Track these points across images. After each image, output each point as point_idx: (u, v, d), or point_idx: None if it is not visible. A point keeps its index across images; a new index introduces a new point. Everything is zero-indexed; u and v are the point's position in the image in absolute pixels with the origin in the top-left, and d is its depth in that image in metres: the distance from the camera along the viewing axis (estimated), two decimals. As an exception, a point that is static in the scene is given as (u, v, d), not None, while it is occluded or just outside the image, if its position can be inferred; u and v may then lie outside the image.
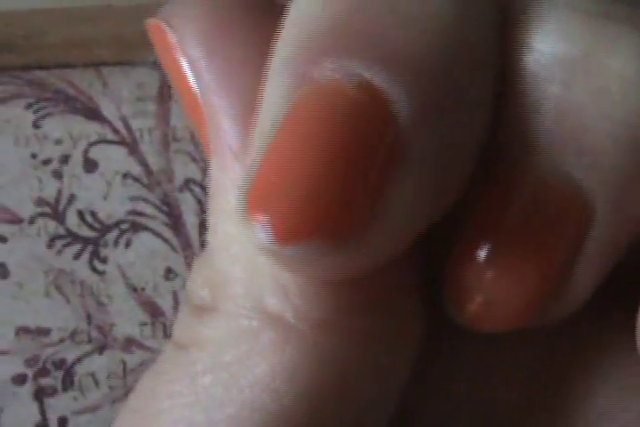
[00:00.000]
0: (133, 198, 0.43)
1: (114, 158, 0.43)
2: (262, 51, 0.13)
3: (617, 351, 0.14)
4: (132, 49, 0.42)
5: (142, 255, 0.43)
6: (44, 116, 0.44)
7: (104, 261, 0.43)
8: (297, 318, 0.12)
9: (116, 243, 0.43)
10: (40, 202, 0.43)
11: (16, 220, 0.43)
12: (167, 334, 0.42)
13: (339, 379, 0.12)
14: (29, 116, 0.44)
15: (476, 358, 0.15)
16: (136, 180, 0.43)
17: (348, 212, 0.11)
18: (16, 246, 0.43)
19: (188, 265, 0.42)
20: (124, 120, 0.44)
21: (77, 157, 0.44)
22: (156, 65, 0.41)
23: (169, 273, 0.42)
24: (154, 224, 0.43)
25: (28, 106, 0.44)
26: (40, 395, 0.42)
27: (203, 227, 0.41)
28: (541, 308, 0.13)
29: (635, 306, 0.12)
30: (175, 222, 0.42)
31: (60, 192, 0.43)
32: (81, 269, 0.43)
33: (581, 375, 0.14)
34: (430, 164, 0.12)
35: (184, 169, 0.43)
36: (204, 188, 0.42)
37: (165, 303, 0.42)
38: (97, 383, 0.42)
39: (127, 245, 0.43)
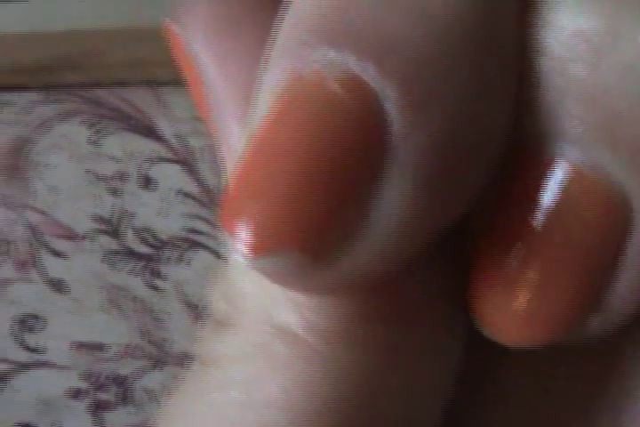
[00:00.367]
0: (190, 216, 0.44)
1: (170, 176, 0.44)
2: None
3: None
4: (190, 68, 0.42)
5: (199, 272, 0.44)
6: (101, 134, 0.44)
7: (161, 277, 0.44)
8: (307, 330, 0.12)
9: (172, 260, 0.44)
10: (97, 218, 0.44)
11: (74, 236, 0.44)
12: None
13: (359, 395, 0.12)
14: (87, 134, 0.44)
15: (533, 380, 0.14)
16: (192, 197, 0.44)
17: (326, 225, 0.10)
18: (74, 262, 0.44)
19: (244, 283, 0.43)
20: (181, 138, 0.44)
21: (134, 175, 0.44)
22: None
23: (225, 290, 0.43)
24: (211, 242, 0.44)
25: (86, 123, 0.44)
26: (96, 409, 0.43)
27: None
28: (581, 321, 0.11)
29: None
30: (231, 240, 0.43)
31: (117, 209, 0.44)
32: (138, 285, 0.43)
33: None
34: (426, 171, 0.10)
35: (240, 188, 0.43)
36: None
37: (221, 320, 0.43)
38: (153, 398, 0.43)
39: (184, 262, 0.44)
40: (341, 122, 0.10)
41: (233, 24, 0.13)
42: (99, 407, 0.43)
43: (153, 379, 0.43)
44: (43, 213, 0.44)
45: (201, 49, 0.13)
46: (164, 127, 0.44)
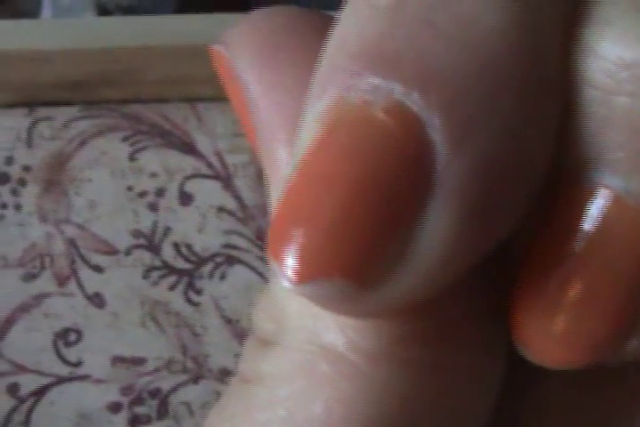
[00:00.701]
0: (228, 232, 0.44)
1: (209, 192, 0.44)
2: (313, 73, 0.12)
3: None
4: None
5: (237, 288, 0.44)
6: (140, 150, 0.45)
7: (199, 292, 0.44)
8: (351, 350, 0.12)
9: (210, 275, 0.44)
10: (136, 234, 0.44)
11: (113, 251, 0.44)
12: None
13: (401, 414, 0.12)
14: (126, 149, 0.45)
15: (575, 387, 0.14)
16: (231, 214, 0.44)
17: (372, 252, 0.10)
18: (112, 277, 0.44)
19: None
20: (219, 155, 0.45)
21: (173, 191, 0.44)
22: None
23: (262, 305, 0.43)
24: (248, 258, 0.44)
25: (125, 139, 0.45)
26: (135, 423, 0.43)
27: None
28: (619, 344, 0.12)
29: None
30: (269, 256, 0.43)
31: (155, 224, 0.44)
32: (176, 300, 0.44)
33: None
34: (471, 198, 0.10)
35: (278, 204, 0.43)
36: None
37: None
38: (191, 413, 0.43)
39: (222, 277, 0.44)
40: (387, 149, 0.10)
41: (281, 50, 0.13)
42: (137, 422, 0.43)
43: (190, 393, 0.43)
44: (81, 227, 0.44)
45: (249, 74, 0.13)
46: (203, 143, 0.45)
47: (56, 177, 0.45)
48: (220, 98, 0.44)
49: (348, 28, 0.11)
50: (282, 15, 0.14)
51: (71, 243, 0.44)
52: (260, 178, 0.44)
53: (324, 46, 0.12)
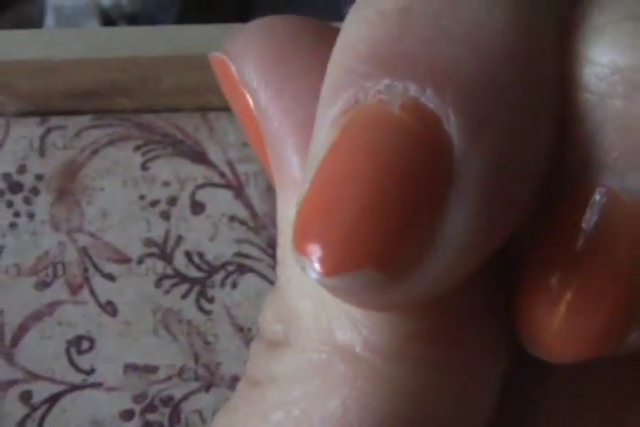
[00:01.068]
0: (240, 241, 0.44)
1: (220, 201, 0.45)
2: (321, 79, 0.12)
3: None
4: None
5: (248, 296, 0.44)
6: (152, 159, 0.45)
7: (211, 301, 0.44)
8: (366, 349, 0.12)
9: (222, 284, 0.44)
10: (148, 242, 0.45)
11: (125, 260, 0.45)
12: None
13: (414, 412, 0.12)
14: (138, 158, 0.45)
15: (575, 381, 0.14)
16: (242, 223, 0.44)
17: (400, 242, 0.11)
18: (125, 286, 0.44)
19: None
20: (231, 164, 0.45)
21: (185, 200, 0.45)
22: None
23: (273, 314, 0.44)
24: (260, 266, 0.44)
25: (137, 148, 0.45)
26: (147, 430, 0.44)
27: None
28: (620, 336, 0.12)
29: None
30: (280, 265, 0.43)
31: (167, 233, 0.45)
32: (188, 308, 0.44)
33: None
34: (487, 187, 0.11)
35: (289, 213, 0.44)
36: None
37: (269, 343, 0.44)
38: (203, 421, 0.44)
39: (233, 286, 0.44)
40: (406, 143, 0.11)
41: (286, 57, 0.13)
42: (149, 429, 0.43)
43: (202, 401, 0.44)
44: (94, 236, 0.45)
45: (256, 81, 0.13)
46: (215, 153, 0.45)
47: (68, 186, 0.45)
48: (230, 108, 0.45)
49: (357, 33, 0.12)
50: (283, 23, 0.14)
51: (84, 251, 0.45)
52: (271, 187, 0.45)
53: (332, 53, 0.12)
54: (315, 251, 0.11)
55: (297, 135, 0.13)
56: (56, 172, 0.45)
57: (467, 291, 0.12)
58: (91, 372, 0.44)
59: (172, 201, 0.45)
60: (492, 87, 0.11)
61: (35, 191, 0.45)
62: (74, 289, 0.44)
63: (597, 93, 0.12)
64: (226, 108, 0.44)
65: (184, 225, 0.45)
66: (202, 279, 0.44)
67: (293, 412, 0.12)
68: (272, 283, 0.44)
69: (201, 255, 0.44)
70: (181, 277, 0.44)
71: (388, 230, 0.11)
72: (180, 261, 0.44)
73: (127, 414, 0.43)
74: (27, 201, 0.45)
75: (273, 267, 0.44)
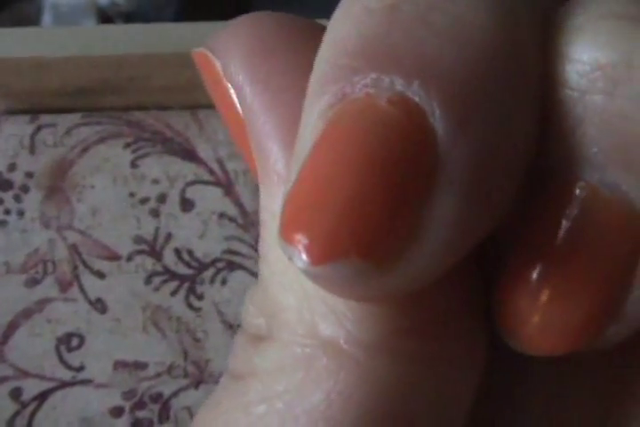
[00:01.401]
0: (229, 238, 0.45)
1: (210, 199, 0.45)
2: (305, 74, 0.13)
3: None
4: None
5: (237, 293, 0.44)
6: (141, 157, 0.45)
7: (200, 298, 0.44)
8: (350, 342, 0.12)
9: (212, 281, 0.45)
10: (138, 240, 0.45)
11: (114, 257, 0.45)
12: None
13: (397, 404, 0.12)
14: (128, 156, 0.45)
15: (553, 379, 0.14)
16: (231, 220, 0.45)
17: (385, 232, 0.11)
18: (114, 283, 0.44)
19: (282, 303, 0.43)
20: (220, 162, 0.45)
21: (174, 197, 0.45)
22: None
23: (262, 311, 0.44)
24: (249, 263, 0.45)
25: (127, 146, 0.45)
26: (137, 427, 0.44)
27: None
28: (599, 329, 0.12)
29: None
30: (269, 262, 0.44)
31: (157, 230, 0.45)
32: (178, 305, 0.44)
33: None
34: (470, 180, 0.11)
35: (278, 210, 0.44)
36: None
37: (258, 340, 0.44)
38: (192, 417, 0.44)
39: (223, 282, 0.45)
40: (392, 134, 0.11)
41: (271, 52, 0.14)
42: (139, 426, 0.43)
43: (191, 398, 0.44)
44: (83, 233, 0.45)
45: (241, 76, 0.14)
46: (204, 150, 0.45)
47: (58, 184, 0.45)
48: (221, 105, 0.45)
49: (344, 29, 0.12)
50: (268, 20, 0.14)
51: (73, 249, 0.45)
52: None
53: (320, 48, 0.12)
54: (302, 240, 0.11)
55: (282, 130, 0.13)
56: (46, 169, 0.46)
57: (448, 286, 0.13)
58: (80, 369, 0.44)
59: (162, 198, 0.45)
60: (476, 82, 0.11)
61: (25, 189, 0.45)
62: (64, 286, 0.44)
63: (578, 90, 0.12)
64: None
65: (174, 222, 0.45)
66: (191, 276, 0.44)
67: (276, 405, 0.12)
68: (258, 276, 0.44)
69: (190, 252, 0.45)
70: (171, 275, 0.44)
71: (373, 221, 0.11)
72: (169, 258, 0.45)
73: (117, 411, 0.44)
74: (17, 199, 0.45)
75: (262, 264, 0.44)
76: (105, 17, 0.51)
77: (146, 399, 0.44)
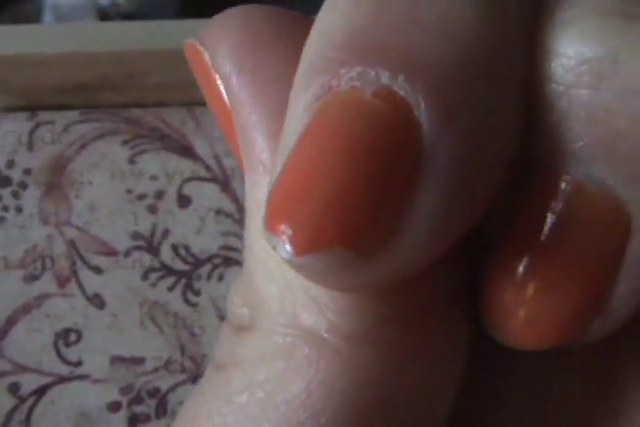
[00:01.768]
0: (226, 234, 0.45)
1: (207, 195, 0.45)
2: (293, 67, 0.13)
3: None
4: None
5: (234, 289, 0.45)
6: (139, 153, 0.46)
7: (197, 293, 0.45)
8: (330, 332, 0.12)
9: (208, 276, 0.45)
10: (135, 236, 0.45)
11: (112, 252, 0.45)
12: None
13: (377, 394, 0.12)
14: (125, 153, 0.46)
15: (539, 373, 0.14)
16: (228, 216, 0.45)
17: (369, 223, 0.11)
18: (112, 278, 0.45)
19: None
20: (217, 158, 0.45)
21: (172, 193, 0.45)
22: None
23: (259, 306, 0.44)
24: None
25: (124, 142, 0.46)
26: (134, 422, 0.44)
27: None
28: (584, 323, 0.12)
29: None
30: (266, 258, 0.44)
31: (154, 227, 0.45)
32: (175, 301, 0.45)
33: None
34: (454, 174, 0.11)
35: (275, 206, 0.44)
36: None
37: (254, 335, 0.44)
38: (189, 411, 0.44)
39: (219, 278, 0.45)
40: (377, 127, 0.11)
41: (259, 44, 0.14)
42: (136, 420, 0.44)
43: (188, 392, 0.44)
44: (81, 229, 0.45)
45: (229, 66, 0.14)
46: (201, 147, 0.45)
47: (56, 180, 0.46)
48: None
49: (332, 22, 0.12)
50: (257, 12, 0.14)
51: (71, 245, 0.45)
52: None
53: (308, 40, 0.12)
54: (286, 230, 0.11)
55: (268, 121, 0.13)
56: (44, 166, 0.46)
57: (432, 278, 0.13)
58: (78, 364, 0.44)
59: (159, 195, 0.45)
60: (461, 76, 0.11)
61: (23, 185, 0.46)
62: (62, 282, 0.45)
63: (564, 84, 0.12)
64: (213, 103, 0.45)
65: (171, 218, 0.45)
66: (188, 272, 0.45)
67: (258, 394, 0.12)
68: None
69: (187, 248, 0.45)
70: (168, 270, 0.45)
71: (358, 211, 0.11)
72: (166, 254, 0.45)
73: (114, 406, 0.44)
74: (15, 195, 0.46)
75: (259, 260, 0.44)
76: (105, 17, 0.52)
77: (143, 394, 0.44)
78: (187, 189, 0.45)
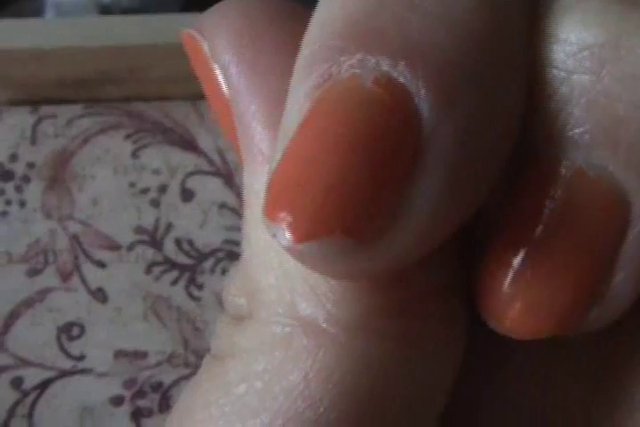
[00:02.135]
0: (229, 228, 0.45)
1: (210, 189, 0.45)
2: (291, 57, 0.13)
3: None
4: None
5: (237, 283, 0.45)
6: (142, 147, 0.45)
7: (200, 287, 0.45)
8: (329, 321, 0.12)
9: (211, 270, 0.45)
10: (138, 230, 0.45)
11: (115, 247, 0.45)
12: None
13: (375, 383, 0.12)
14: (128, 147, 0.45)
15: (536, 364, 0.14)
16: (232, 210, 0.45)
17: (369, 209, 0.11)
18: (115, 272, 0.45)
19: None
20: (220, 152, 0.45)
21: (175, 187, 0.45)
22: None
23: (262, 300, 0.44)
24: (249, 253, 0.45)
25: (128, 136, 0.46)
26: (137, 416, 0.44)
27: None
28: (582, 312, 0.12)
29: None
30: (269, 252, 0.44)
31: (157, 221, 0.45)
32: (178, 295, 0.44)
33: None
34: (455, 161, 0.11)
35: (278, 200, 0.44)
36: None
37: (258, 329, 0.44)
38: (193, 406, 0.44)
39: (223, 272, 0.45)
40: (377, 114, 0.11)
41: (258, 33, 0.14)
42: (139, 415, 0.44)
43: (192, 387, 0.44)
44: (84, 223, 0.45)
45: (227, 55, 0.14)
46: (204, 141, 0.45)
47: (59, 174, 0.46)
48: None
49: (332, 10, 0.12)
50: (256, 2, 0.14)
51: (74, 239, 0.45)
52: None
53: (308, 28, 0.12)
54: (285, 218, 0.11)
55: (267, 110, 0.13)
56: (47, 160, 0.46)
57: (429, 266, 0.13)
58: (81, 358, 0.44)
59: (162, 189, 0.45)
60: (462, 63, 0.11)
61: (26, 179, 0.46)
62: (64, 276, 0.45)
63: (565, 70, 0.12)
64: (216, 97, 0.45)
65: (174, 212, 0.45)
66: (191, 266, 0.45)
67: (256, 385, 0.12)
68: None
69: (191, 242, 0.45)
70: (171, 264, 0.45)
71: (357, 198, 0.11)
72: (169, 248, 0.45)
73: (117, 400, 0.44)
74: (18, 189, 0.46)
75: (262, 254, 0.44)
76: (107, 14, 0.52)
77: (146, 388, 0.44)
78: (190, 183, 0.45)
